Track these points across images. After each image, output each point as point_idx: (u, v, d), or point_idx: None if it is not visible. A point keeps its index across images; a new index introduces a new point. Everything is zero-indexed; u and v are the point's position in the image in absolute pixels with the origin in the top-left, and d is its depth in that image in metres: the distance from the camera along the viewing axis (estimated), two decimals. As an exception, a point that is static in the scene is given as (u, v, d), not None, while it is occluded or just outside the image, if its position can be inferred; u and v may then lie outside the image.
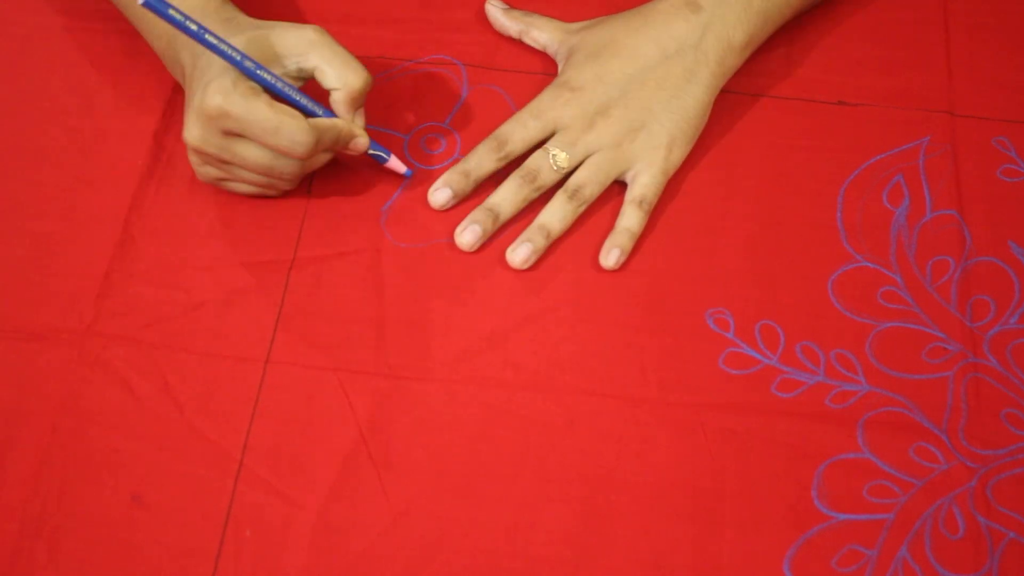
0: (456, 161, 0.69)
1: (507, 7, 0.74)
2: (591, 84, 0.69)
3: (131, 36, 0.74)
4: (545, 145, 0.68)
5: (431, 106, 0.72)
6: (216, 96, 0.59)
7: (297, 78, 0.64)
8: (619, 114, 0.68)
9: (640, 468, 0.61)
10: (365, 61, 0.64)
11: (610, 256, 0.66)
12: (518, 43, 0.75)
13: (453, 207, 0.68)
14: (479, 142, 0.69)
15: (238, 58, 0.61)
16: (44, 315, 0.65)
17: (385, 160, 0.68)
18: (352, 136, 0.65)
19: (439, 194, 0.67)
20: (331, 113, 0.65)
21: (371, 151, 0.67)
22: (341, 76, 0.63)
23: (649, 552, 0.59)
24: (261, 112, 0.60)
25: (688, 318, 0.65)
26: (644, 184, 0.67)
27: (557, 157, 0.67)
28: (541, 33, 0.73)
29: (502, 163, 0.68)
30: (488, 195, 0.67)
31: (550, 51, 0.74)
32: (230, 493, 0.60)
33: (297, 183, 0.67)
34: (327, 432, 0.61)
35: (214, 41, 0.60)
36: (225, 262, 0.66)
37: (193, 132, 0.61)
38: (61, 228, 0.68)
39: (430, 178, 0.69)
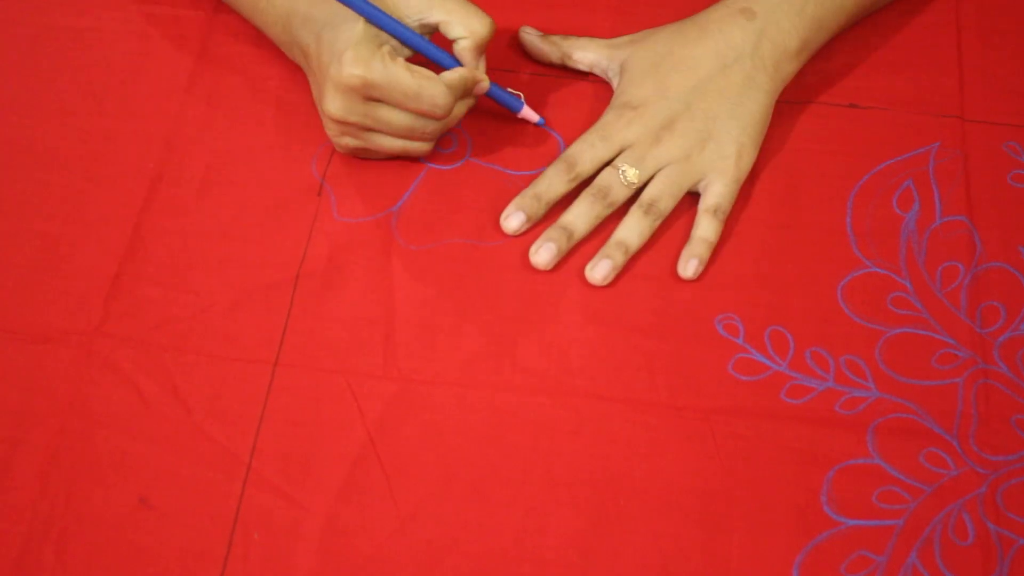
0: (468, 163, 0.69)
1: (542, 34, 0.74)
2: (653, 100, 0.68)
3: (141, 37, 0.74)
4: (614, 162, 0.67)
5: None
6: (356, 66, 0.61)
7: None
8: (684, 126, 0.68)
9: (649, 473, 0.61)
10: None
11: (689, 266, 0.66)
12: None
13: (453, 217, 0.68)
14: (490, 141, 0.69)
15: (376, 13, 0.62)
16: (53, 316, 0.65)
17: (517, 109, 0.70)
18: (476, 81, 0.66)
19: (513, 219, 0.67)
20: (456, 61, 0.66)
21: (496, 96, 0.69)
22: (466, 25, 0.64)
23: (658, 557, 0.59)
24: (403, 78, 0.61)
25: (697, 323, 0.65)
26: (718, 193, 0.67)
27: (627, 173, 0.67)
28: (585, 53, 0.73)
29: (572, 184, 0.68)
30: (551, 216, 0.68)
31: (598, 70, 0.73)
32: (238, 496, 0.60)
33: (435, 141, 0.68)
34: (336, 435, 0.61)
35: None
36: (234, 264, 0.66)
37: (336, 104, 0.63)
38: (70, 230, 0.68)
39: (442, 178, 0.69)
